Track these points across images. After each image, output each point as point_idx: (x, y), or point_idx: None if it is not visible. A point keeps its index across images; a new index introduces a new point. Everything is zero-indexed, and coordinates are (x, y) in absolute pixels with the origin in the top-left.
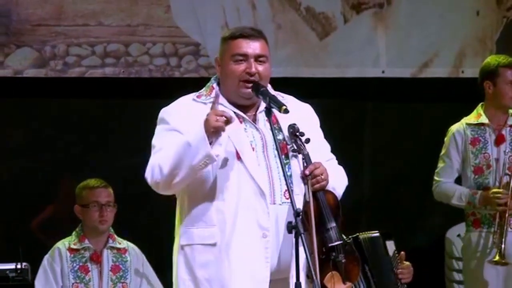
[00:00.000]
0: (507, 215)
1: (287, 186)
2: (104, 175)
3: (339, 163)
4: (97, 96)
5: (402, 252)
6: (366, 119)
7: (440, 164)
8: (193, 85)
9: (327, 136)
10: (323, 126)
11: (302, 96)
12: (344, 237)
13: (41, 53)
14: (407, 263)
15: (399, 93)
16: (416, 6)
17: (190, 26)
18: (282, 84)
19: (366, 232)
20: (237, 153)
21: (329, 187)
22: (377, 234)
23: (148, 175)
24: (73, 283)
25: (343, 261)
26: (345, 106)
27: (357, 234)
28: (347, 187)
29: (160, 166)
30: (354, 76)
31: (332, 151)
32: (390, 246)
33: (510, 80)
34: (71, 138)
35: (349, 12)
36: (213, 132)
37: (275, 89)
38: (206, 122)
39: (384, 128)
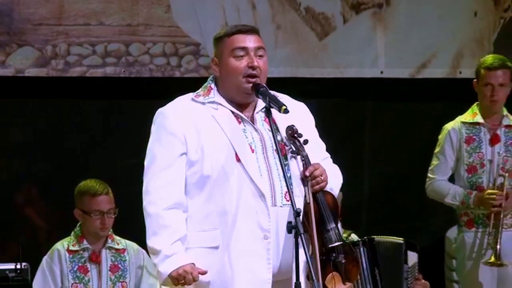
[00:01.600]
0: (501, 216)
1: (288, 188)
2: (104, 175)
3: (339, 164)
4: (98, 95)
5: (420, 275)
6: (366, 119)
7: (434, 162)
8: (194, 85)
9: (327, 137)
10: (323, 126)
11: (301, 96)
12: (356, 237)
13: (42, 53)
14: (425, 281)
15: (397, 93)
16: (414, 7)
17: (190, 26)
18: (282, 84)
19: (389, 237)
20: (236, 155)
21: (327, 187)
22: (401, 241)
23: (143, 195)
24: (72, 284)
25: (343, 261)
26: (345, 106)
27: (373, 236)
28: (347, 187)
29: (147, 211)
30: (353, 77)
31: (332, 151)
32: (412, 257)
33: (486, 82)
34: (72, 138)
35: (348, 12)
36: (174, 277)
37: (275, 90)
38: (182, 271)
39: (383, 128)
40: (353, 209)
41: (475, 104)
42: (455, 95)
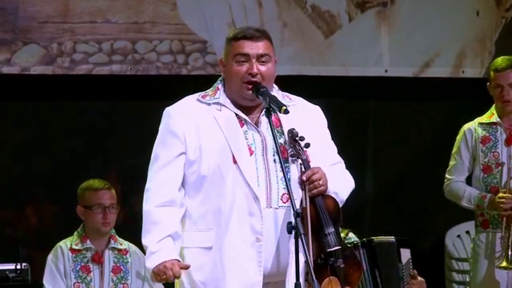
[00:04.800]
0: None
1: (288, 189)
2: (109, 174)
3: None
4: (104, 93)
5: (415, 271)
6: (369, 119)
7: (452, 162)
8: (200, 82)
9: (331, 136)
10: (329, 122)
11: (305, 95)
12: (356, 239)
13: (48, 50)
14: (421, 278)
15: (401, 93)
16: (418, 5)
17: (197, 24)
18: (286, 83)
19: (381, 237)
20: (233, 157)
21: (330, 191)
22: (393, 240)
23: (144, 195)
24: (74, 283)
25: (342, 266)
26: (347, 106)
27: (372, 238)
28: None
29: (143, 209)
30: (357, 75)
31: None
32: (405, 254)
33: (496, 83)
34: (75, 138)
35: (353, 10)
36: (156, 273)
37: (281, 88)
38: (162, 266)
39: (387, 128)
40: (356, 209)
41: (493, 105)
42: (458, 94)
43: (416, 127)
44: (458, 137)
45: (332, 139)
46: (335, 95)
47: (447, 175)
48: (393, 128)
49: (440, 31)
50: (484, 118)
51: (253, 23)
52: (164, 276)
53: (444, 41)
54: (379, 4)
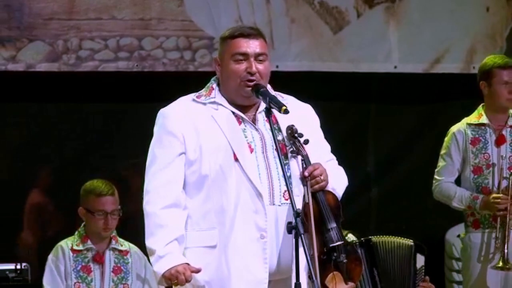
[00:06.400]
0: (507, 219)
1: (287, 187)
2: (113, 173)
3: (347, 162)
4: (110, 90)
5: (427, 277)
6: (371, 119)
7: (441, 163)
8: (207, 79)
9: (335, 134)
10: (332, 124)
11: (307, 95)
12: (355, 238)
13: (53, 47)
14: (431, 284)
15: (407, 92)
16: (426, 1)
17: (203, 20)
18: (294, 80)
19: (399, 237)
20: (235, 155)
21: (329, 187)
22: (411, 243)
23: (143, 195)
24: (75, 283)
25: (345, 261)
26: (354, 103)
27: (369, 237)
28: (355, 186)
29: (146, 211)
30: (366, 71)
31: (340, 149)
32: (420, 260)
33: (505, 80)
34: (79, 137)
35: (362, 6)
36: (167, 277)
37: (290, 84)
38: (174, 271)
39: (394, 126)
40: (359, 211)
41: (480, 106)
42: (467, 92)
43: (421, 127)
44: (447, 139)
45: (337, 137)
46: (343, 93)
47: (436, 176)
48: (397, 128)
49: (449, 27)
50: (472, 119)
51: (260, 19)
52: (176, 281)
53: (454, 37)
54: (387, 0)
